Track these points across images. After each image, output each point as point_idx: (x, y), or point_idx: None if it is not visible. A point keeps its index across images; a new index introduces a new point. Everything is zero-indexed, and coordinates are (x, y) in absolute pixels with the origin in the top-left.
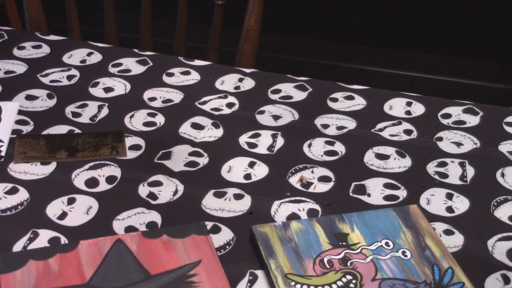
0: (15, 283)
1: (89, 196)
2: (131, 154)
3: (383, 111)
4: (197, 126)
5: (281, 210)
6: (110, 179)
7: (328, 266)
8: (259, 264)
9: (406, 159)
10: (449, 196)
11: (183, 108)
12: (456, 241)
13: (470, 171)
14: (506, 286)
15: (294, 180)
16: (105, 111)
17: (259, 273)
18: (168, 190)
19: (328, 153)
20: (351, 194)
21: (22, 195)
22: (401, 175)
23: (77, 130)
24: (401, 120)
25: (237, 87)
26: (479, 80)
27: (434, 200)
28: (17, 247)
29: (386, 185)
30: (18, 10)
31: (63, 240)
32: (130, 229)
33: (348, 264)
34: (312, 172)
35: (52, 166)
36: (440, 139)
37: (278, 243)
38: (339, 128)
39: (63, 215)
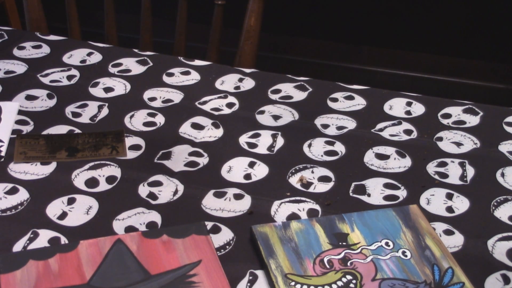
0: (15, 283)
1: (89, 196)
2: (131, 154)
3: (383, 111)
4: (197, 126)
5: (281, 210)
6: (110, 179)
7: (328, 266)
8: (259, 264)
9: (406, 159)
10: (449, 196)
11: (183, 108)
12: (456, 241)
13: (470, 171)
14: (506, 286)
15: (294, 180)
16: (105, 111)
17: (259, 273)
18: (168, 190)
19: (328, 153)
20: (351, 194)
21: (22, 195)
22: (401, 175)
23: (77, 130)
24: (401, 120)
25: (237, 87)
26: (479, 80)
27: (434, 200)
28: (17, 247)
29: (386, 185)
30: (18, 10)
31: (63, 240)
32: (130, 229)
33: (348, 264)
34: (312, 172)
35: (52, 166)
36: (440, 139)
37: (278, 243)
38: (339, 128)
39: (63, 215)
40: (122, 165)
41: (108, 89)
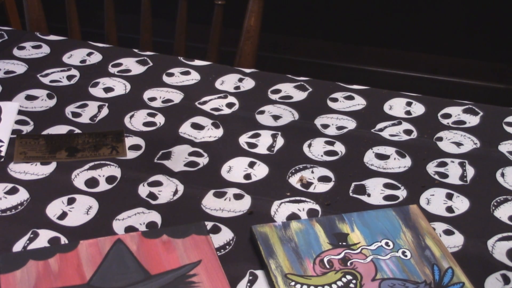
0: (15, 283)
1: (89, 196)
2: (131, 154)
3: (383, 111)
4: (197, 126)
5: (281, 210)
6: (110, 179)
7: (328, 266)
8: (259, 264)
9: (406, 159)
10: (449, 196)
11: (183, 108)
12: (456, 241)
13: (470, 171)
14: (506, 286)
15: (294, 180)
16: (105, 111)
17: (259, 273)
18: (168, 190)
19: (328, 153)
20: (351, 194)
21: (22, 195)
22: (401, 175)
23: (77, 130)
24: (401, 120)
25: (237, 87)
26: (479, 80)
27: (434, 200)
28: (17, 247)
29: (386, 185)
30: (18, 10)
31: (63, 240)
32: (130, 229)
33: (348, 264)
34: (312, 172)
35: (52, 166)
36: (440, 139)
37: (278, 243)
38: (339, 128)
39: (63, 215)
40: (122, 165)
41: (108, 89)
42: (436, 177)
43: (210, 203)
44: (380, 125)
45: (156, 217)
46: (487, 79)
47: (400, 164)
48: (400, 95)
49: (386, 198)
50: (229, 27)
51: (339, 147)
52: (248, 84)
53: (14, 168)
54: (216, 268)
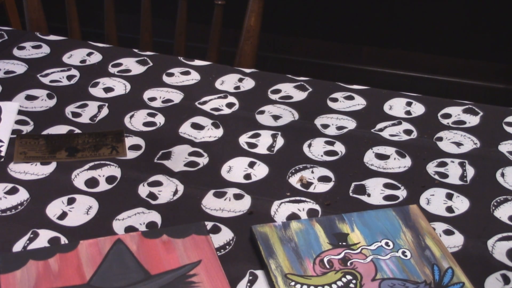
0: (15, 283)
1: (89, 196)
2: (131, 154)
3: (383, 111)
4: (197, 126)
5: (281, 210)
6: (110, 179)
7: (328, 266)
8: (259, 264)
9: (406, 159)
10: (449, 196)
11: (183, 108)
12: (456, 241)
13: (470, 171)
14: (506, 286)
15: (294, 180)
16: (105, 111)
17: (259, 273)
18: (168, 190)
19: (328, 153)
20: (351, 194)
21: (22, 195)
22: (401, 175)
23: (77, 130)
24: (401, 120)
25: (237, 87)
26: (479, 80)
27: (434, 200)
28: (17, 247)
29: (386, 185)
30: (18, 10)
31: (63, 240)
32: (130, 229)
33: (348, 264)
34: (312, 172)
35: (52, 166)
36: (440, 139)
37: (278, 243)
38: (339, 128)
39: (63, 215)
40: (122, 165)
41: (108, 89)
42: (436, 177)
43: (210, 203)
44: (380, 125)
45: (156, 217)
46: (487, 79)
47: (400, 164)
48: (400, 95)
49: (386, 198)
50: (229, 27)
51: (339, 147)
52: (248, 84)
53: (14, 168)
54: (216, 268)
